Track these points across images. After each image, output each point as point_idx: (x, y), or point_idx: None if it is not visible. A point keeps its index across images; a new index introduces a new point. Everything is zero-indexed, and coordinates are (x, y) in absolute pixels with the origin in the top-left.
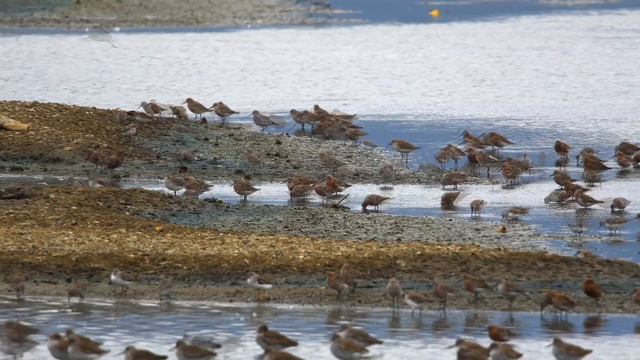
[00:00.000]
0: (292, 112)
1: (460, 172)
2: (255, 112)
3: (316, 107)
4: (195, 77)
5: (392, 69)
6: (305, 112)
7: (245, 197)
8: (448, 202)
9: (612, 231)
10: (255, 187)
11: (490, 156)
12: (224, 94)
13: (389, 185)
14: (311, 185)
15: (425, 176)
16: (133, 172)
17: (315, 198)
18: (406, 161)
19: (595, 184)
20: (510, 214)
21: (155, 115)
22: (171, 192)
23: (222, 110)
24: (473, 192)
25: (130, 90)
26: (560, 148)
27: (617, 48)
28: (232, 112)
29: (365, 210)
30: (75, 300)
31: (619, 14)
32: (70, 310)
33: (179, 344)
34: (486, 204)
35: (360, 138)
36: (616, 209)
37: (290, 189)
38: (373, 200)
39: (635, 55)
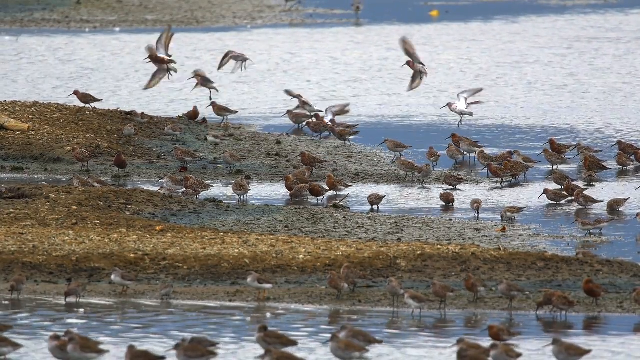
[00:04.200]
0: (288, 112)
1: (459, 173)
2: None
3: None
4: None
5: (392, 69)
6: (304, 100)
7: (241, 197)
8: (447, 199)
9: (599, 231)
10: (248, 187)
11: (488, 154)
12: (223, 93)
13: (427, 185)
14: (306, 185)
15: (402, 173)
16: (133, 172)
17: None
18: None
19: (593, 183)
20: (508, 214)
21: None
22: (171, 192)
23: (219, 110)
24: (474, 192)
25: (130, 90)
26: (554, 147)
27: (617, 48)
28: (231, 112)
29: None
30: (72, 300)
31: (619, 14)
32: (68, 309)
33: (178, 345)
34: (482, 205)
35: (209, 131)
36: (610, 210)
37: (288, 187)
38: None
39: (635, 55)
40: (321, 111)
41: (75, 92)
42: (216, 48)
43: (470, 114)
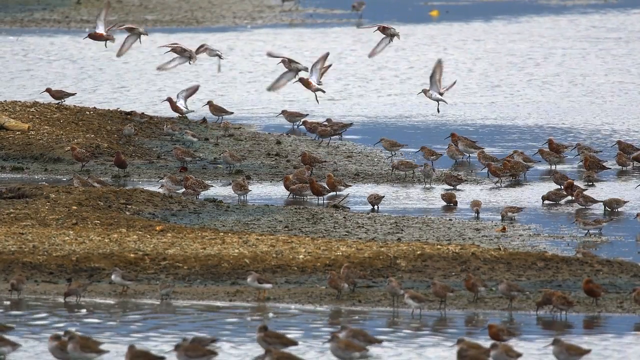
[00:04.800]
0: (283, 112)
1: (459, 173)
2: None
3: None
4: (194, 77)
5: (391, 69)
6: (290, 59)
7: (241, 197)
8: (449, 199)
9: (599, 231)
10: (247, 187)
11: (488, 154)
12: (222, 94)
13: (428, 185)
14: (307, 185)
15: (402, 173)
16: (133, 172)
17: (314, 197)
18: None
19: (593, 183)
20: (509, 214)
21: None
22: (171, 192)
23: (215, 110)
24: (474, 193)
25: (130, 90)
26: (553, 147)
27: (617, 48)
28: (227, 112)
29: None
30: (72, 300)
31: (619, 14)
32: (68, 310)
33: (179, 345)
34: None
35: (186, 129)
36: (608, 210)
37: (287, 187)
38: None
39: (635, 56)
40: (306, 69)
41: (48, 90)
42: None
43: (445, 102)
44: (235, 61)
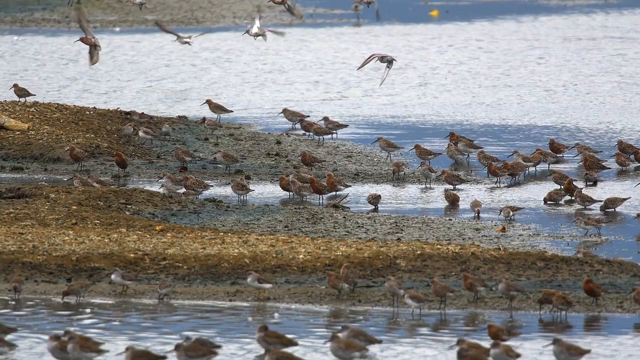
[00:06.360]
0: (284, 110)
1: (459, 173)
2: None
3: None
4: (195, 77)
5: (391, 69)
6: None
7: (241, 197)
8: (453, 201)
9: (599, 231)
10: (250, 187)
11: (488, 155)
12: (224, 93)
13: (428, 186)
14: (307, 185)
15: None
16: (133, 172)
17: (315, 197)
18: (390, 160)
19: (593, 183)
20: (511, 213)
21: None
22: (170, 192)
23: (215, 107)
24: (474, 193)
25: (130, 90)
26: (554, 147)
27: (617, 48)
28: (226, 110)
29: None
30: (71, 299)
31: (619, 14)
32: (68, 310)
33: (179, 345)
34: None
35: (141, 127)
36: (605, 209)
37: (283, 187)
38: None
39: (635, 56)
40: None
41: (14, 85)
42: (216, 47)
43: (264, 36)
44: (235, 62)
